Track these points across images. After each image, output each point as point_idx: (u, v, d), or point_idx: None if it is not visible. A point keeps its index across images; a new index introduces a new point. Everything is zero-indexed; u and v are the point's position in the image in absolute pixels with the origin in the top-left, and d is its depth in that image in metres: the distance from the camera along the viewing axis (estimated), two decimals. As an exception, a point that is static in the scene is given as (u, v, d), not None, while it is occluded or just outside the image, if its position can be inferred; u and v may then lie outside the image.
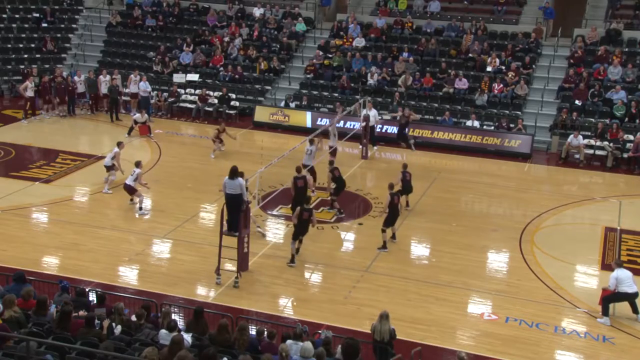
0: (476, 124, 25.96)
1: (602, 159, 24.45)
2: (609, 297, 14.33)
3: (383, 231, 17.16)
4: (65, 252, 16.79)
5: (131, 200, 19.38)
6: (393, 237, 17.57)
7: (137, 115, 25.62)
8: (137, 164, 19.29)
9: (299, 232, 16.33)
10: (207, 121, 27.97)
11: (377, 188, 21.46)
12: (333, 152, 22.02)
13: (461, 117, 26.83)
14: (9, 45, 32.38)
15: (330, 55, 29.94)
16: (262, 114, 27.86)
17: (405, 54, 29.13)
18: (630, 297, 14.27)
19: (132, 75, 28.65)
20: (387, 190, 17.25)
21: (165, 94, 29.13)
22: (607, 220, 19.50)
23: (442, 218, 19.33)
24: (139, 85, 28.09)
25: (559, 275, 16.20)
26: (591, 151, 24.62)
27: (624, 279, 14.18)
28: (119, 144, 20.90)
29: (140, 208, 18.96)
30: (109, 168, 20.50)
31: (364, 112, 24.04)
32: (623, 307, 14.45)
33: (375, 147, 25.03)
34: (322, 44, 30.69)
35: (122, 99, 28.73)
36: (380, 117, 25.71)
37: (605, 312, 14.34)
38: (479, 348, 13.36)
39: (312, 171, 19.89)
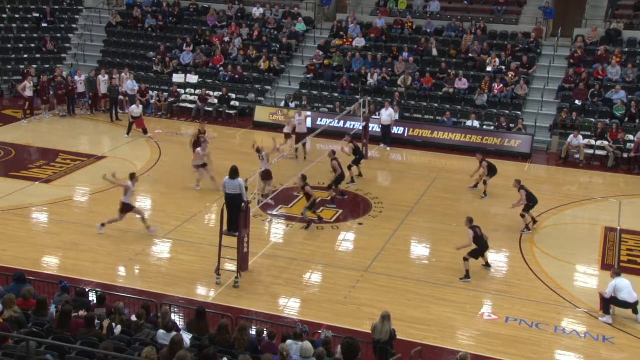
0: (476, 124, 25.96)
1: (602, 159, 24.45)
2: (610, 300, 14.32)
3: (465, 260, 15.79)
4: (65, 252, 16.79)
5: None
6: (487, 265, 16.33)
7: (133, 107, 25.49)
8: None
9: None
10: (207, 121, 27.92)
11: (377, 188, 21.49)
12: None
13: (461, 117, 26.83)
14: (9, 45, 32.39)
15: (330, 55, 29.95)
16: (262, 114, 27.86)
17: (405, 54, 29.14)
18: (630, 307, 14.29)
19: (122, 74, 28.67)
20: (466, 226, 15.93)
21: (165, 94, 29.13)
22: (607, 220, 19.50)
23: (442, 218, 19.34)
24: (127, 84, 28.06)
25: (559, 275, 16.20)
26: (591, 151, 24.62)
27: (622, 287, 14.20)
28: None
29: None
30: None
31: (363, 111, 24.07)
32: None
33: (382, 146, 25.03)
34: (322, 44, 30.68)
35: (123, 98, 28.73)
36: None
37: (606, 311, 14.36)
38: (479, 348, 13.36)
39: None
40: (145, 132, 25.51)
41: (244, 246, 15.50)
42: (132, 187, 17.36)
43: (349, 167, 21.33)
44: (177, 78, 30.02)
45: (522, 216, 18.47)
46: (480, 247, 15.88)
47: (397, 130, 26.02)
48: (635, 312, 14.34)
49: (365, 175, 22.01)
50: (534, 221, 18.57)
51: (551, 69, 28.23)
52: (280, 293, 15.26)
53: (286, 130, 23.80)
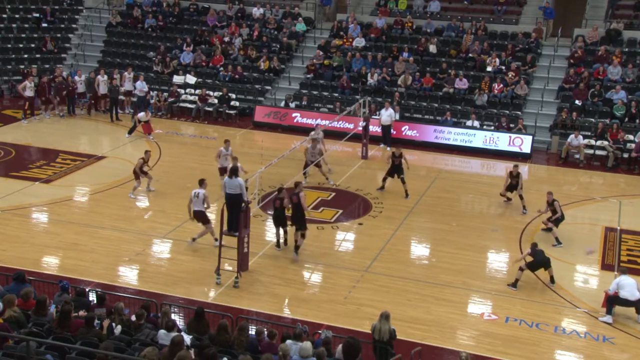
0: (476, 124, 25.95)
1: (602, 159, 24.44)
2: (613, 299, 14.35)
3: (521, 270, 15.53)
4: (65, 252, 16.80)
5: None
6: (551, 280, 15.79)
7: (142, 114, 25.41)
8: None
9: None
10: (207, 121, 27.99)
11: (376, 188, 21.45)
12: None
13: (461, 117, 26.83)
14: (9, 45, 32.39)
15: (330, 55, 29.95)
16: (262, 114, 27.84)
17: (405, 54, 29.14)
18: (632, 305, 14.31)
19: (125, 73, 28.65)
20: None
21: (165, 94, 29.12)
22: (607, 220, 19.50)
23: (442, 218, 19.34)
24: (136, 85, 28.04)
25: (559, 275, 16.16)
26: (591, 151, 24.61)
27: (625, 285, 14.25)
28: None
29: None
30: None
31: (363, 111, 24.06)
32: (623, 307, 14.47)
33: (382, 146, 25.05)
34: (322, 44, 30.69)
35: (124, 98, 28.71)
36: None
37: (609, 311, 14.38)
38: (479, 348, 13.36)
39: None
40: (149, 134, 25.53)
41: (244, 246, 15.51)
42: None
43: (384, 179, 20.87)
44: (177, 78, 30.01)
45: (550, 229, 17.91)
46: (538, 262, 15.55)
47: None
48: (638, 311, 14.35)
49: (365, 175, 22.01)
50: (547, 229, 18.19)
51: (551, 69, 28.23)
52: (280, 293, 15.26)
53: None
